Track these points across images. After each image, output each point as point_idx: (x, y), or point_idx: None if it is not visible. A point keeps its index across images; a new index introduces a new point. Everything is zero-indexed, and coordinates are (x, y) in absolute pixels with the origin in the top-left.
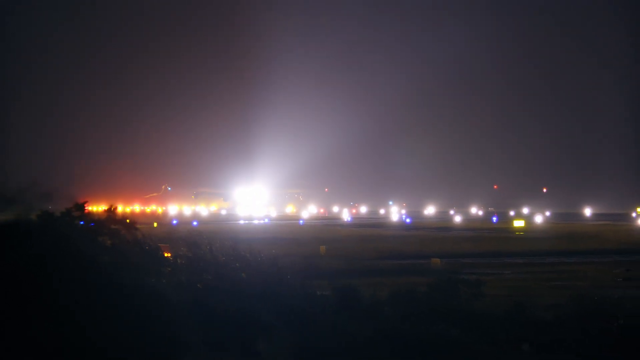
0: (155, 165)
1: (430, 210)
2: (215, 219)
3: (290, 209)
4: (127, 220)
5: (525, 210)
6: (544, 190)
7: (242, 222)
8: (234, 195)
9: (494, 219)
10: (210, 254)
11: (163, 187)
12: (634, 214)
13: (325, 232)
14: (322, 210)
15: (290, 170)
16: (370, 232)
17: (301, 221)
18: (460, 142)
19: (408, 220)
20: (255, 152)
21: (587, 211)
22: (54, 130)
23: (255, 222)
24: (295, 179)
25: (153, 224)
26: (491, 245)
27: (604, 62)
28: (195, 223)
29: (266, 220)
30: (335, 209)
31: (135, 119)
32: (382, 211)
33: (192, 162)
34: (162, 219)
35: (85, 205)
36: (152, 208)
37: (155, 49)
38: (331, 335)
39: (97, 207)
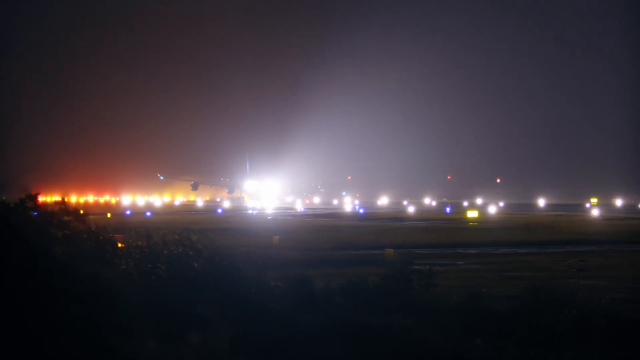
0: (155, 153)
1: (383, 200)
2: (171, 209)
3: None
4: (80, 211)
5: (479, 201)
6: (498, 180)
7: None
8: (244, 186)
9: (448, 209)
10: (163, 245)
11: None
12: (587, 205)
13: (279, 222)
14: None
15: (311, 161)
16: (324, 222)
17: (253, 212)
18: (413, 132)
19: (361, 210)
20: (274, 144)
21: (541, 202)
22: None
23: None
24: (317, 170)
25: (107, 215)
26: (445, 236)
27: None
28: (148, 214)
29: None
30: (289, 199)
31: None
32: (335, 202)
33: (200, 152)
34: (115, 210)
35: (38, 196)
36: (105, 198)
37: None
38: (284, 325)
39: (52, 198)
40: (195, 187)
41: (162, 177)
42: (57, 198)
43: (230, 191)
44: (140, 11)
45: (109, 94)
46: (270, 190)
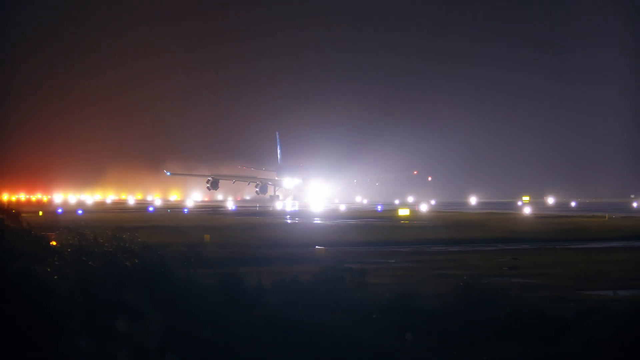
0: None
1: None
2: (103, 208)
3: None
4: (12, 209)
5: (411, 199)
6: (429, 179)
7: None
8: (284, 183)
9: (379, 207)
10: (95, 243)
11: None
12: (519, 203)
13: (210, 220)
14: (206, 198)
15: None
16: (255, 220)
17: (185, 209)
18: (345, 129)
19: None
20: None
21: (473, 200)
22: None
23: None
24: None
25: (38, 213)
26: (376, 234)
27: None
28: (80, 212)
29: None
30: (220, 196)
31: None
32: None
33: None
34: (47, 208)
35: None
36: (37, 196)
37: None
38: (214, 323)
39: None
40: (214, 186)
41: (168, 173)
42: None
43: (263, 190)
44: None
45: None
46: (317, 187)
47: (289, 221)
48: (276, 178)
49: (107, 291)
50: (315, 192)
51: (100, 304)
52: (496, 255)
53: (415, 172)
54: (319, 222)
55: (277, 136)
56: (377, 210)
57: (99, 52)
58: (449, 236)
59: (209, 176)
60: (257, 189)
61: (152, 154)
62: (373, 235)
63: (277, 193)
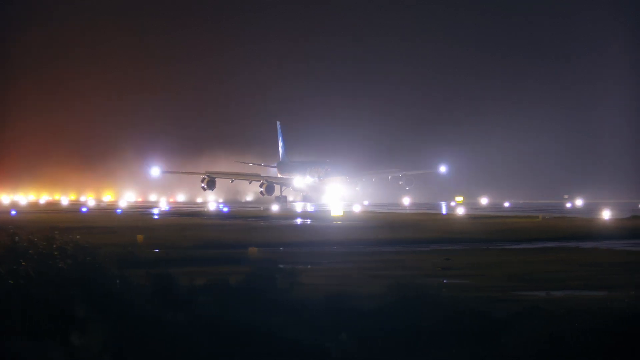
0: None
1: (247, 198)
2: (37, 208)
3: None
4: None
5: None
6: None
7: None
8: (294, 182)
9: (312, 208)
10: (29, 244)
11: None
12: (453, 203)
13: (143, 220)
14: (140, 199)
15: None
16: (188, 221)
17: (119, 210)
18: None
19: (226, 209)
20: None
21: (406, 200)
22: None
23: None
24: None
25: None
26: (310, 234)
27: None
28: (13, 212)
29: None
30: (153, 197)
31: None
32: (199, 200)
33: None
34: None
35: None
36: None
37: None
38: (147, 323)
39: None
40: (211, 186)
41: (160, 171)
42: None
43: (269, 190)
44: None
45: None
46: (335, 187)
47: (220, 221)
48: (279, 175)
49: (40, 291)
50: (332, 192)
51: (35, 304)
52: (430, 256)
53: (443, 169)
54: (250, 221)
55: (279, 126)
56: (311, 211)
57: (41, 42)
58: (382, 237)
59: (203, 174)
60: (262, 189)
61: (88, 152)
62: (306, 235)
63: (284, 194)
